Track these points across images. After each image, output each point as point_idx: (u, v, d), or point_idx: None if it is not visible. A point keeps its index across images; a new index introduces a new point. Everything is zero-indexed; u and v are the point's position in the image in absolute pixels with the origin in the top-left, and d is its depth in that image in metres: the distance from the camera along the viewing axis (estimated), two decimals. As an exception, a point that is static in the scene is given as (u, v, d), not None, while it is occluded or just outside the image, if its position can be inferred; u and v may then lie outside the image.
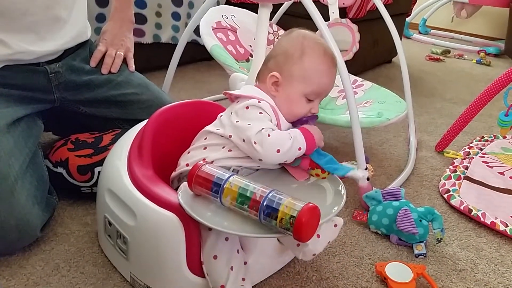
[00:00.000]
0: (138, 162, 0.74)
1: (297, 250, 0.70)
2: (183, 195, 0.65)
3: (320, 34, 0.93)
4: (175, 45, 1.29)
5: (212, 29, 1.34)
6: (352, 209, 1.00)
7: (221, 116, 0.75)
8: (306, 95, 0.73)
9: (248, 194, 0.60)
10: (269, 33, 1.52)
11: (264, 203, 0.59)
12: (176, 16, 1.88)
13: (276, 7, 1.53)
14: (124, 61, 1.05)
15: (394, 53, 1.62)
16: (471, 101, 1.28)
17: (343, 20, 1.43)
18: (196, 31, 1.32)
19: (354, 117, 0.96)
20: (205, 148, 0.73)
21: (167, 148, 0.79)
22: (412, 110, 1.40)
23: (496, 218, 1.00)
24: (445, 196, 1.10)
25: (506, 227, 0.97)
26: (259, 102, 0.70)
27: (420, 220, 0.88)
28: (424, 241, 0.89)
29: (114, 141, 0.92)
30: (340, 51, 0.94)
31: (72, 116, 1.01)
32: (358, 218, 0.96)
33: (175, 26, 1.89)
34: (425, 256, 0.88)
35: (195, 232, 0.66)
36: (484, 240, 0.96)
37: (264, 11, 0.94)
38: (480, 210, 1.02)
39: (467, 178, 1.17)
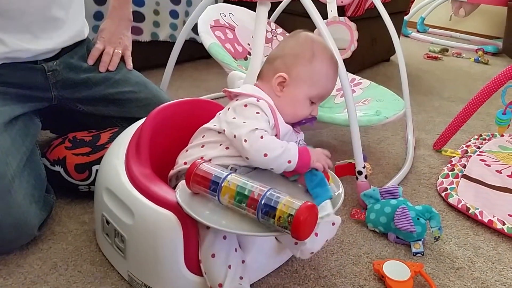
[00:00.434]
0: (136, 161, 0.74)
1: (295, 248, 0.70)
2: (181, 193, 0.65)
3: (319, 32, 0.93)
4: (173, 43, 1.28)
5: (210, 27, 1.33)
6: (350, 208, 1.00)
7: (220, 113, 0.75)
8: (310, 97, 0.74)
9: (246, 193, 0.60)
10: (267, 31, 1.51)
11: (262, 202, 0.59)
12: (174, 14, 1.88)
13: (274, 5, 1.53)
14: (122, 59, 1.05)
15: (393, 51, 1.62)
16: (469, 100, 1.29)
17: (342, 18, 1.42)
18: (194, 29, 1.31)
19: (352, 116, 0.96)
20: (202, 146, 0.73)
21: (165, 147, 0.79)
22: (410, 108, 1.40)
23: (493, 217, 1.00)
24: (443, 194, 1.11)
25: (503, 225, 0.98)
26: (258, 101, 0.70)
27: (418, 219, 0.88)
28: (422, 239, 0.89)
29: (112, 139, 0.92)
30: (339, 49, 0.94)
31: (70, 114, 1.01)
32: (356, 216, 0.96)
33: (173, 24, 1.88)
34: (423, 254, 0.88)
35: (193, 230, 0.66)
36: (482, 238, 0.96)
37: (262, 9, 0.94)
38: (478, 209, 1.02)
39: (465, 177, 1.17)
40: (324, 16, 1.15)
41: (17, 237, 0.76)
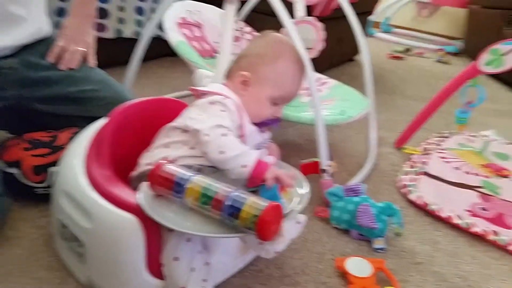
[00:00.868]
0: (96, 162, 0.72)
1: (259, 248, 0.70)
2: (143, 195, 0.64)
3: (286, 32, 0.94)
4: (139, 40, 1.25)
5: (177, 25, 1.31)
6: (314, 205, 1.01)
7: (184, 111, 0.74)
8: (273, 98, 0.74)
9: (210, 194, 0.60)
10: (235, 30, 1.51)
11: (227, 203, 0.59)
12: (140, 10, 1.84)
13: (242, 4, 1.52)
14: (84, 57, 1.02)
15: (357, 51, 1.65)
16: (431, 99, 1.32)
17: (309, 18, 1.43)
18: (161, 25, 1.29)
19: (318, 115, 0.98)
20: (166, 146, 0.71)
21: (128, 147, 0.77)
22: (374, 107, 1.43)
23: (452, 212, 1.04)
24: (403, 191, 1.14)
25: (460, 220, 1.02)
26: (224, 99, 0.70)
27: (380, 215, 0.91)
28: (384, 236, 0.92)
29: (72, 139, 0.89)
30: (306, 49, 0.95)
31: (29, 114, 0.97)
32: (320, 214, 0.97)
33: (139, 20, 1.84)
34: (385, 251, 0.90)
35: (155, 233, 0.65)
36: (440, 234, 1.00)
37: (231, 8, 0.93)
38: (437, 204, 1.06)
39: (426, 174, 1.21)
40: (292, 15, 1.16)
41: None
